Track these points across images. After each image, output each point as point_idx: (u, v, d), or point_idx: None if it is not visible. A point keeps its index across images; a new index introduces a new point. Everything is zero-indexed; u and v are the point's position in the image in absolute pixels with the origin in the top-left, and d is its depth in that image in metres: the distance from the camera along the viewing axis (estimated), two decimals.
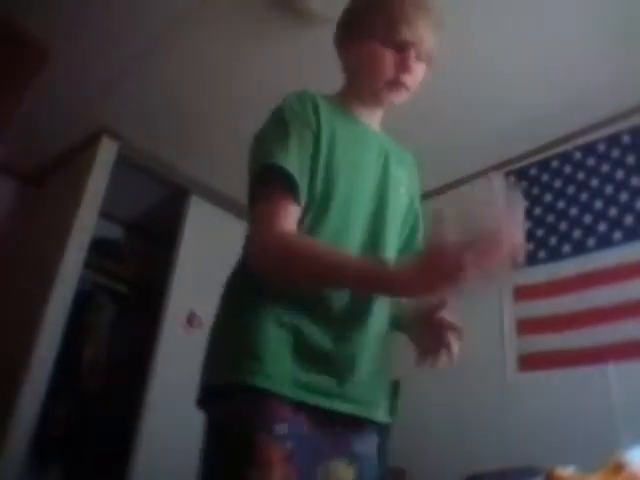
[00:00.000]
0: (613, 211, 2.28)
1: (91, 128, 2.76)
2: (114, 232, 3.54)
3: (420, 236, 1.16)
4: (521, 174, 2.69)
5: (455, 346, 0.92)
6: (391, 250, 1.04)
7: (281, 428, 0.81)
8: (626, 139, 2.35)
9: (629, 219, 2.21)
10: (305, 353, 0.88)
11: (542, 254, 2.44)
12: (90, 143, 2.80)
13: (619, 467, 0.79)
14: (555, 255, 2.39)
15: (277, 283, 0.91)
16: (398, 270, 0.84)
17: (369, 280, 0.85)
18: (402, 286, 0.82)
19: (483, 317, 2.51)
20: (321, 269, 0.87)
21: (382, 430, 1.01)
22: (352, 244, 0.97)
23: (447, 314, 0.92)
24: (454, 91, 2.39)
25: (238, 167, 3.23)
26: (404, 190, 1.09)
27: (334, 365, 0.90)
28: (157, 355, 2.72)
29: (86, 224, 2.67)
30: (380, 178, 1.04)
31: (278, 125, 0.96)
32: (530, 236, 2.52)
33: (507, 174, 2.74)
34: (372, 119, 1.11)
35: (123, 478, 2.46)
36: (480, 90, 2.37)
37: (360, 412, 0.93)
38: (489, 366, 2.39)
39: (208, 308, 3.47)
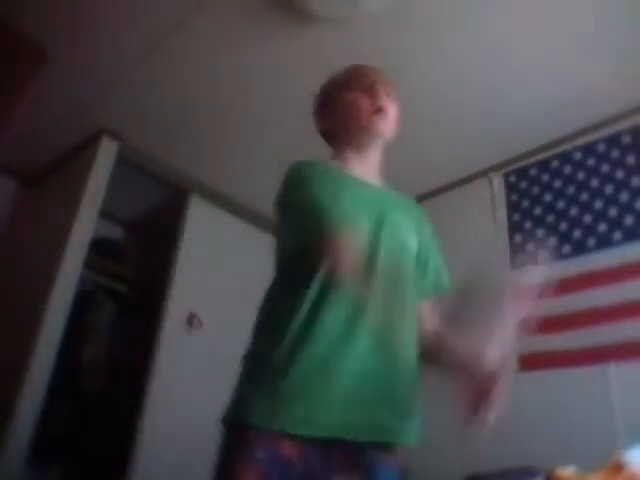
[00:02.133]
0: (613, 211, 2.28)
1: (91, 128, 2.76)
2: (114, 232, 3.54)
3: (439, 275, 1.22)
4: (521, 174, 2.69)
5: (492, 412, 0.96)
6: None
7: (258, 453, 0.89)
8: (626, 139, 2.35)
9: (629, 219, 2.21)
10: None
11: None
12: (90, 143, 2.80)
13: (619, 467, 0.79)
14: (555, 255, 2.39)
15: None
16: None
17: None
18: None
19: None
20: None
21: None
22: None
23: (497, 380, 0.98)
24: (454, 91, 2.39)
25: (238, 167, 3.25)
26: (409, 236, 1.13)
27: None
28: (157, 355, 2.72)
29: (86, 224, 2.66)
30: (376, 226, 1.06)
31: (303, 182, 1.05)
32: (530, 236, 2.52)
33: (507, 174, 2.75)
34: (368, 170, 1.16)
35: (123, 478, 2.46)
36: (480, 90, 2.37)
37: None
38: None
39: (208, 308, 3.47)
